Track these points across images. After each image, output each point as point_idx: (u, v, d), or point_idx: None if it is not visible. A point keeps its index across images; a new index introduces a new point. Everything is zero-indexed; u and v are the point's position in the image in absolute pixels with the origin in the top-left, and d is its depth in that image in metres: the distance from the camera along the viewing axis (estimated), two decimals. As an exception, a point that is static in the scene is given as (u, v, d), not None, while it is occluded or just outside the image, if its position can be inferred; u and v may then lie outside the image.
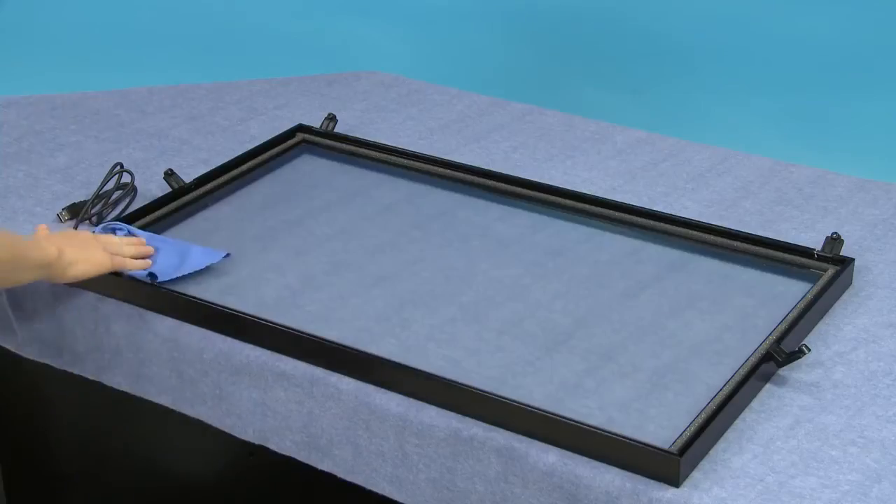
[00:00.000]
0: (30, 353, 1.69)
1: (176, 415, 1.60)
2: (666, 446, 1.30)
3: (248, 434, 1.54)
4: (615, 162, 1.95)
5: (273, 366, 1.48)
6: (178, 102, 2.10)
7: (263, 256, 1.67)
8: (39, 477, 1.93)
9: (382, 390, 1.42)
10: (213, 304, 1.54)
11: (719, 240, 1.68)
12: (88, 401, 1.77)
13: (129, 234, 1.66)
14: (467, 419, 1.38)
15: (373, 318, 1.54)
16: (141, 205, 1.77)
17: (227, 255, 1.63)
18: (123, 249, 1.59)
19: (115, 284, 1.59)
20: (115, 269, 1.56)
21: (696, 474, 1.30)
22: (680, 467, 1.27)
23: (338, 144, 1.96)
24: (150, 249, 1.62)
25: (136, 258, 1.60)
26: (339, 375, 1.45)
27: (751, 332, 1.50)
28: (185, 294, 1.56)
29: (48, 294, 1.64)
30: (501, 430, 1.36)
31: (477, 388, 1.38)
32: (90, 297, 1.61)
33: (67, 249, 1.51)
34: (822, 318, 1.55)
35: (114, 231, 1.66)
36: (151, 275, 1.58)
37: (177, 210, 1.77)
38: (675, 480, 1.28)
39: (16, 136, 2.01)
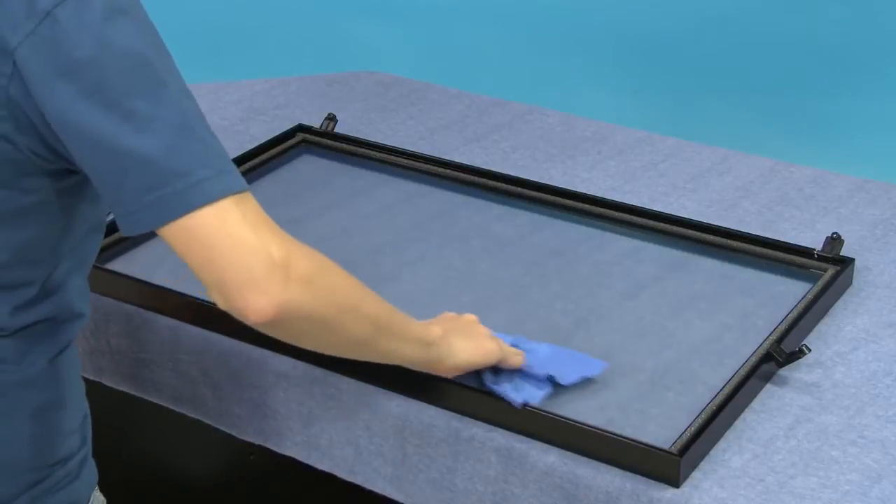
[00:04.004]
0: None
1: (176, 415, 1.60)
2: (666, 446, 1.30)
3: (248, 434, 1.54)
4: (615, 162, 1.95)
5: (273, 366, 1.48)
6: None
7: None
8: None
9: (382, 390, 1.42)
10: (213, 304, 1.54)
11: (719, 240, 1.68)
12: (88, 401, 1.77)
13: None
14: (467, 419, 1.38)
15: (373, 318, 1.54)
16: (141, 205, 1.77)
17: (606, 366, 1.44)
18: (507, 349, 1.41)
19: (114, 284, 1.59)
20: (502, 361, 1.39)
21: (696, 474, 1.30)
22: (680, 467, 1.27)
23: (338, 144, 1.96)
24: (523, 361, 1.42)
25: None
26: (338, 375, 1.45)
27: (751, 332, 1.50)
28: (185, 294, 1.56)
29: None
30: (501, 430, 1.36)
31: (477, 388, 1.38)
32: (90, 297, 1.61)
33: (452, 334, 1.36)
34: (822, 318, 1.55)
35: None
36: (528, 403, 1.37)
37: (177, 210, 1.77)
38: (675, 481, 1.28)
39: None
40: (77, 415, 1.30)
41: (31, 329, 1.24)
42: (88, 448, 1.32)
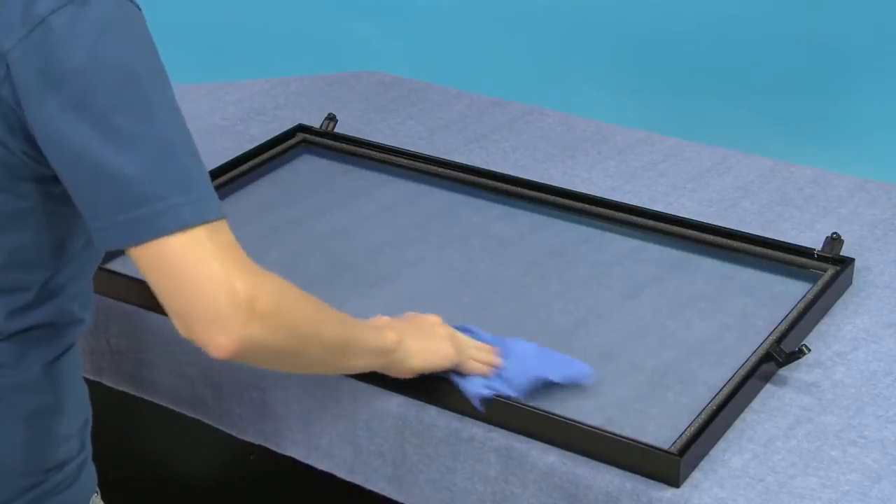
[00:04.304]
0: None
1: (176, 415, 1.60)
2: (666, 446, 1.30)
3: (248, 434, 1.54)
4: (615, 162, 1.95)
5: (273, 366, 1.48)
6: (178, 102, 2.10)
7: (263, 256, 1.67)
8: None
9: (382, 390, 1.42)
10: (213, 304, 1.54)
11: (719, 240, 1.68)
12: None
13: (477, 337, 1.45)
14: (467, 419, 1.38)
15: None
16: (141, 205, 1.77)
17: (594, 372, 1.42)
18: (471, 351, 1.40)
19: (114, 284, 1.59)
20: (458, 365, 1.39)
21: (695, 474, 1.30)
22: (680, 467, 1.27)
23: (338, 144, 1.96)
24: (498, 361, 1.41)
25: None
26: (338, 375, 1.45)
27: (751, 332, 1.50)
28: (185, 294, 1.55)
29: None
30: (501, 430, 1.36)
31: (477, 388, 1.38)
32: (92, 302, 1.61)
33: (409, 338, 1.37)
34: (822, 318, 1.55)
35: (465, 331, 1.46)
36: (485, 396, 1.38)
37: (177, 210, 1.77)
38: (674, 480, 1.28)
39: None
40: (75, 420, 1.29)
41: (28, 333, 1.24)
42: (88, 453, 1.32)
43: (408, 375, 1.38)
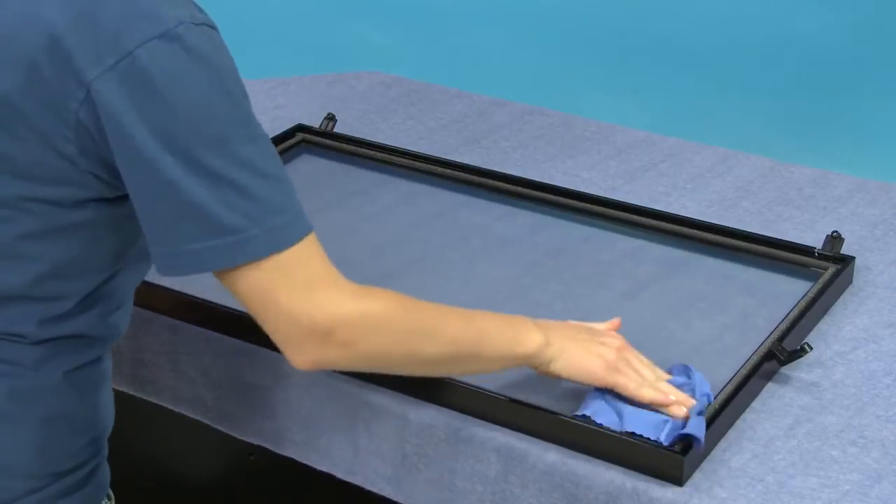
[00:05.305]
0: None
1: (176, 415, 1.59)
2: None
3: (248, 434, 1.54)
4: (615, 162, 1.95)
5: (273, 366, 1.48)
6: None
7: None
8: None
9: (382, 390, 1.42)
10: (213, 303, 1.54)
11: (720, 239, 1.68)
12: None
13: (691, 386, 1.35)
14: (467, 419, 1.38)
15: (373, 318, 1.54)
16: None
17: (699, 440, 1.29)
18: (641, 386, 1.32)
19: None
20: (610, 386, 1.33)
21: (696, 474, 1.30)
22: (683, 466, 1.27)
23: (338, 144, 1.96)
24: (677, 412, 1.31)
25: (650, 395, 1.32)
26: (338, 375, 1.45)
27: (751, 331, 1.50)
28: (185, 294, 1.56)
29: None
30: (501, 430, 1.36)
31: (477, 388, 1.38)
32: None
33: (557, 340, 1.33)
34: (822, 317, 1.55)
35: (683, 375, 1.37)
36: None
37: (177, 210, 1.77)
38: (678, 479, 1.28)
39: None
40: (92, 428, 1.30)
41: (58, 342, 1.25)
42: (99, 463, 1.31)
43: (553, 377, 1.35)
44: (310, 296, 1.18)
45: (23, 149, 1.16)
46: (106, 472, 1.33)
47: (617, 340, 1.37)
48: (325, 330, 1.19)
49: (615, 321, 1.44)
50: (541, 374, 1.36)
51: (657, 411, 1.31)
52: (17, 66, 1.14)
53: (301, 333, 1.19)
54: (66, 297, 1.24)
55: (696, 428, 1.27)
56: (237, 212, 1.14)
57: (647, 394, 1.32)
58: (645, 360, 1.37)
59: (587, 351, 1.34)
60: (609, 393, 1.34)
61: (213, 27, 1.17)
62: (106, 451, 1.33)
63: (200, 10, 1.18)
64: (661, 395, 1.32)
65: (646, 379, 1.34)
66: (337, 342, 1.19)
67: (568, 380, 1.35)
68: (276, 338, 1.21)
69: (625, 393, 1.33)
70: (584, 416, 1.32)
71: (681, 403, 1.31)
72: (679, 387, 1.34)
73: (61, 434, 1.26)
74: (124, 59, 1.12)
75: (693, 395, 1.33)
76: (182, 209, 1.14)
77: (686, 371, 1.37)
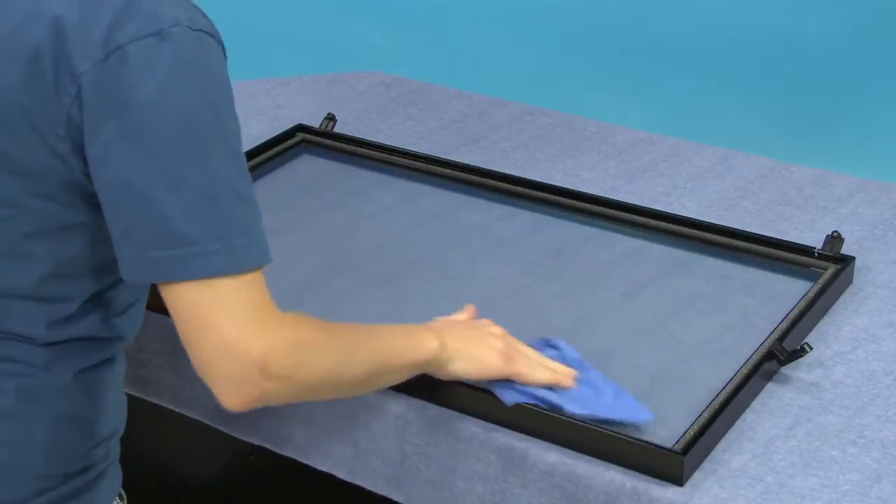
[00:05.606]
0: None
1: (176, 415, 1.59)
2: (669, 445, 1.30)
3: (248, 434, 1.54)
4: (615, 162, 1.95)
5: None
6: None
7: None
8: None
9: (382, 390, 1.42)
10: (213, 304, 1.53)
11: (720, 239, 1.68)
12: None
13: (562, 356, 1.40)
14: (467, 419, 1.38)
15: (373, 318, 1.54)
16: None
17: (650, 417, 1.33)
18: (535, 369, 1.35)
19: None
20: (509, 376, 1.34)
21: (695, 474, 1.30)
22: (684, 466, 1.27)
23: (338, 144, 1.96)
24: (568, 384, 1.35)
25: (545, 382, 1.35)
26: (339, 375, 1.45)
27: (751, 331, 1.50)
28: (185, 294, 1.55)
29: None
30: (501, 430, 1.36)
31: (477, 388, 1.38)
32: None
33: (453, 341, 1.33)
34: (822, 317, 1.55)
35: (549, 347, 1.42)
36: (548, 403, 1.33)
37: (177, 210, 1.77)
38: (678, 479, 1.28)
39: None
40: (103, 429, 1.30)
41: (66, 344, 1.25)
42: (108, 465, 1.31)
43: (450, 378, 1.35)
44: (248, 327, 1.15)
45: (21, 146, 1.16)
46: (117, 475, 1.33)
47: (496, 328, 1.38)
48: (263, 363, 1.15)
49: (470, 307, 1.43)
50: (440, 378, 1.35)
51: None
52: (20, 61, 1.14)
53: (238, 368, 1.15)
54: (70, 299, 1.24)
55: (636, 409, 1.33)
56: (200, 223, 1.12)
57: (541, 376, 1.34)
58: (518, 341, 1.38)
59: (481, 346, 1.34)
60: (511, 382, 1.35)
61: (212, 35, 1.16)
62: (117, 454, 1.33)
63: (203, 16, 1.17)
64: (552, 374, 1.34)
65: (531, 359, 1.36)
66: (274, 375, 1.16)
67: (466, 379, 1.35)
68: (209, 374, 1.16)
69: (523, 380, 1.34)
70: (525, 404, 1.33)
71: (567, 375, 1.35)
72: (554, 359, 1.37)
73: (70, 435, 1.26)
74: (114, 53, 1.11)
75: (567, 363, 1.37)
76: (145, 211, 1.12)
77: (549, 342, 1.41)
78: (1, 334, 1.23)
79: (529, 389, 1.34)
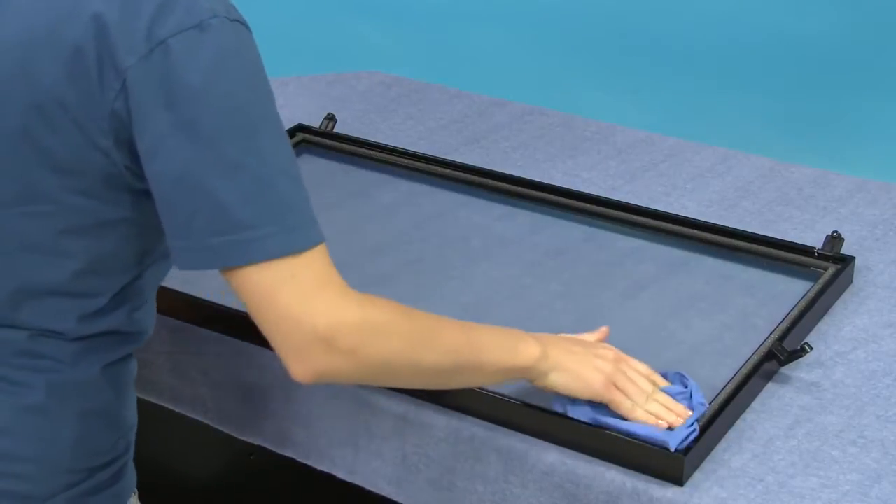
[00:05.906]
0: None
1: (176, 415, 1.59)
2: (667, 446, 1.30)
3: (248, 434, 1.54)
4: (615, 162, 1.95)
5: (273, 366, 1.48)
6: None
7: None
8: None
9: (382, 390, 1.42)
10: (213, 304, 1.54)
11: (720, 239, 1.68)
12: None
13: (687, 397, 1.35)
14: (467, 419, 1.38)
15: (373, 318, 1.54)
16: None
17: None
18: (636, 408, 1.32)
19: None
20: (607, 402, 1.32)
21: (695, 474, 1.30)
22: (684, 466, 1.27)
23: (338, 144, 1.96)
24: (675, 422, 1.31)
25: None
26: (339, 375, 1.45)
27: (751, 331, 1.50)
28: (185, 294, 1.56)
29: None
30: (501, 430, 1.36)
31: (477, 389, 1.38)
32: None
33: (554, 353, 1.32)
34: (822, 317, 1.55)
35: (680, 382, 1.37)
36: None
37: (177, 210, 1.77)
38: (679, 479, 1.28)
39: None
40: (122, 425, 1.31)
41: (93, 338, 1.26)
42: (128, 460, 1.34)
43: (548, 390, 1.34)
44: (314, 301, 1.17)
45: (63, 143, 1.18)
46: (133, 470, 1.36)
47: (612, 352, 1.36)
48: (328, 335, 1.17)
49: (604, 329, 1.42)
50: (538, 387, 1.34)
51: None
52: (61, 58, 1.15)
53: (303, 340, 1.17)
54: (100, 294, 1.25)
55: (682, 436, 1.28)
56: (256, 207, 1.14)
57: (640, 416, 1.32)
58: (642, 367, 1.37)
59: (585, 364, 1.33)
60: (601, 406, 1.33)
61: (245, 25, 1.18)
62: (133, 449, 1.35)
63: (235, 8, 1.19)
64: (654, 420, 1.31)
65: (643, 391, 1.33)
66: (339, 349, 1.17)
67: (564, 393, 1.34)
68: (276, 345, 1.19)
69: (618, 411, 1.32)
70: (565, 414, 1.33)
71: (679, 417, 1.32)
72: (675, 395, 1.34)
73: (97, 429, 1.28)
74: (157, 48, 1.13)
75: (689, 405, 1.33)
76: (201, 200, 1.14)
77: (681, 379, 1.37)
78: (32, 330, 1.25)
79: (605, 416, 1.32)
